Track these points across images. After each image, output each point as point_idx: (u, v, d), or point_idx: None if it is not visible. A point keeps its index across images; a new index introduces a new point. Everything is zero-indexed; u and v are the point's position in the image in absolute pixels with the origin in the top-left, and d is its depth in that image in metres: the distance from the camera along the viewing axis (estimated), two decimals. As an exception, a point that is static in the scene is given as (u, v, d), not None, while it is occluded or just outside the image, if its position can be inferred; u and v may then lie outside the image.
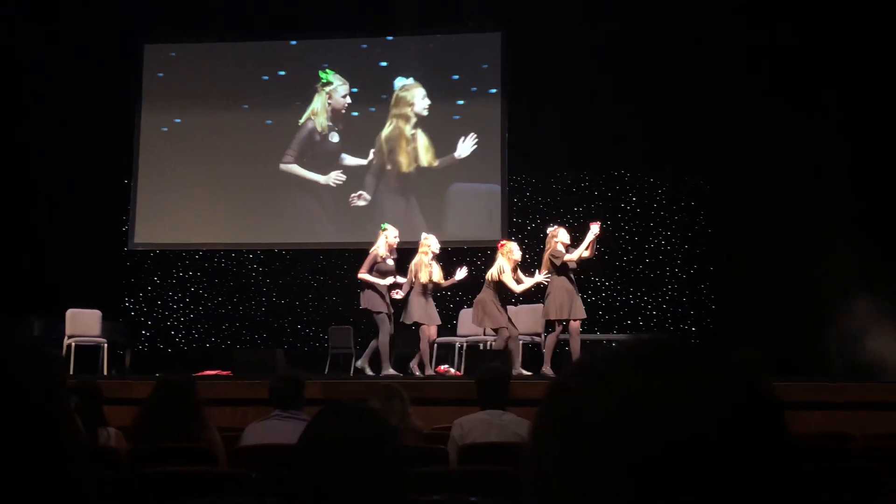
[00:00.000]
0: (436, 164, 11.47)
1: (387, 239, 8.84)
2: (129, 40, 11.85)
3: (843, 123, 9.48)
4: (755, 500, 0.60)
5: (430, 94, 11.58)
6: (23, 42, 11.02)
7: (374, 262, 8.72)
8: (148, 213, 11.85)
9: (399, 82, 11.67)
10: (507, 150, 11.37)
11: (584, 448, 0.62)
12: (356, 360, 10.58)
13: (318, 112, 11.82)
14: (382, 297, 8.69)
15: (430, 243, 8.82)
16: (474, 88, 11.52)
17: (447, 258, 9.35)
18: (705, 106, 10.47)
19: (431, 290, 8.75)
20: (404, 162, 11.55)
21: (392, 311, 8.75)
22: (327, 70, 11.80)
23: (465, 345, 9.56)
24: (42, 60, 11.17)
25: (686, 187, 11.14)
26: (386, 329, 8.63)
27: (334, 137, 11.77)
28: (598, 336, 10.19)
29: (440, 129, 11.52)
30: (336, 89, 11.77)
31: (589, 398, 0.64)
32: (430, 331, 8.67)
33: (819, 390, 7.05)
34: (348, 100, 11.77)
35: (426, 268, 8.66)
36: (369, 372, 8.74)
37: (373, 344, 8.81)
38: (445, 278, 8.81)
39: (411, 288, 8.67)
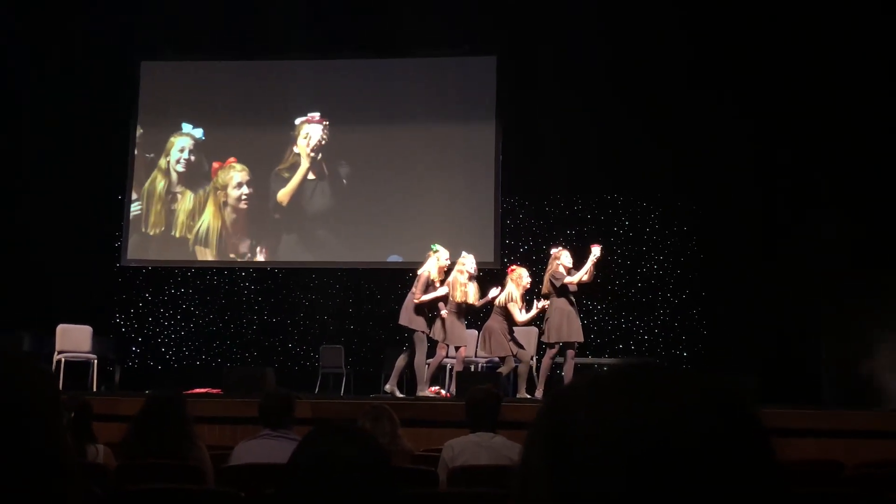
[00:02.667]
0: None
1: (438, 261, 8.73)
2: (125, 56, 11.87)
3: (828, 152, 9.55)
4: None
5: (424, 116, 11.61)
6: (17, 57, 11.03)
7: (427, 285, 8.61)
8: (140, 229, 11.87)
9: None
10: (501, 173, 11.40)
11: (575, 463, 0.63)
12: (344, 378, 10.55)
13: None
14: (426, 318, 8.60)
15: (466, 262, 8.73)
16: (468, 111, 11.55)
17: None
18: (699, 132, 10.52)
19: (465, 310, 8.75)
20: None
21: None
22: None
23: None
24: (37, 75, 11.18)
25: (679, 212, 11.17)
26: (423, 349, 8.56)
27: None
28: (590, 360, 10.18)
29: (434, 151, 11.54)
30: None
31: (580, 415, 0.65)
32: (450, 350, 8.71)
33: (811, 417, 7.05)
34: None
35: (461, 287, 8.61)
36: (399, 394, 8.54)
37: (399, 363, 8.66)
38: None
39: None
